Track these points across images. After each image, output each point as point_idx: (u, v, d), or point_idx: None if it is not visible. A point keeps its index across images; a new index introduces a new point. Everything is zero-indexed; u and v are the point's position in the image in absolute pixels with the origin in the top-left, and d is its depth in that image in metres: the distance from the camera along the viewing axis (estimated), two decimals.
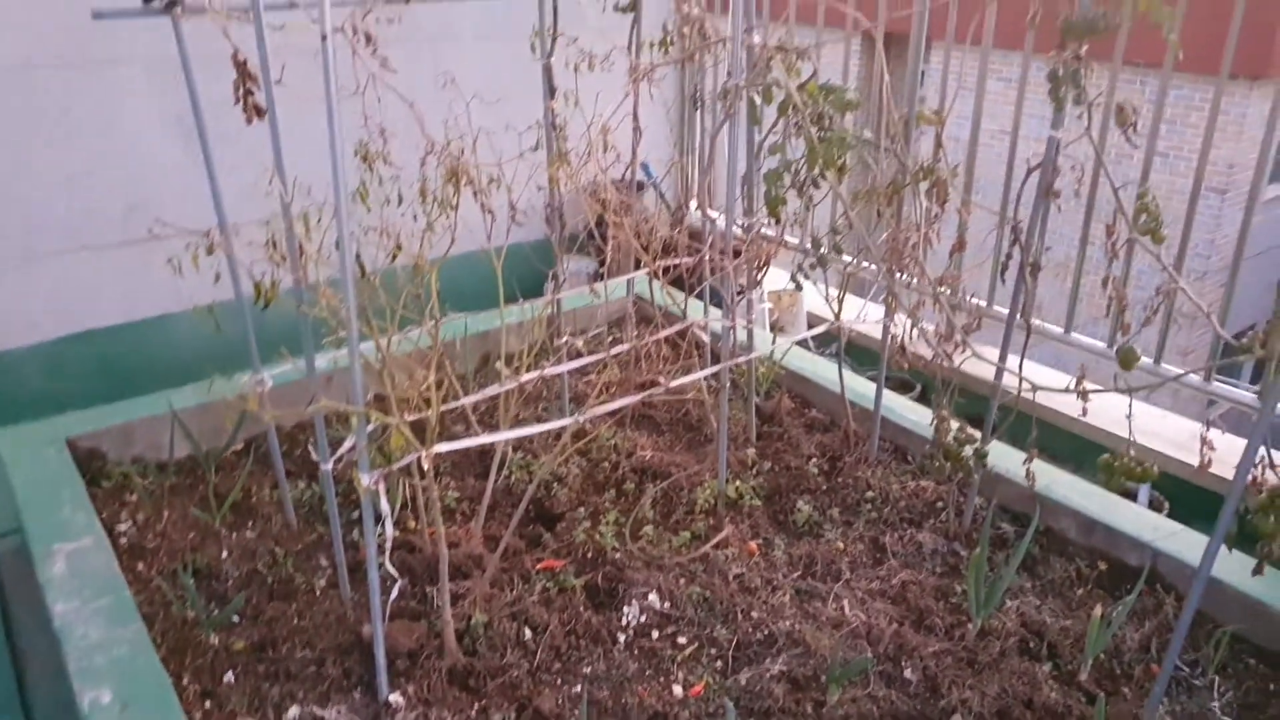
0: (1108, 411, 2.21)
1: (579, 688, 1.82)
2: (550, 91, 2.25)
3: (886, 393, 2.59)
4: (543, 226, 2.41)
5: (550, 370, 2.20)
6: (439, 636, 1.87)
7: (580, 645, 1.93)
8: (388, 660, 1.79)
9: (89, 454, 2.43)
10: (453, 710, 1.76)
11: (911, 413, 2.66)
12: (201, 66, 1.85)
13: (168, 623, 1.92)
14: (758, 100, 2.08)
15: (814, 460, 2.54)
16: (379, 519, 1.60)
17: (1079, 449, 2.51)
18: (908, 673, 1.88)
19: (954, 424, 2.19)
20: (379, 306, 1.89)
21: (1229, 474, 1.57)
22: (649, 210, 3.42)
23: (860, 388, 2.73)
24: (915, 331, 2.26)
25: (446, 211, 1.97)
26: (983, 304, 2.97)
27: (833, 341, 2.73)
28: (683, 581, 2.09)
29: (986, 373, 2.15)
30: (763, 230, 2.67)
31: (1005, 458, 2.29)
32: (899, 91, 2.28)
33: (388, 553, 1.65)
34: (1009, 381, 2.11)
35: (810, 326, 3.33)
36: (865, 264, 2.54)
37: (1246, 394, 2.72)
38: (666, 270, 2.62)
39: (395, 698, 1.77)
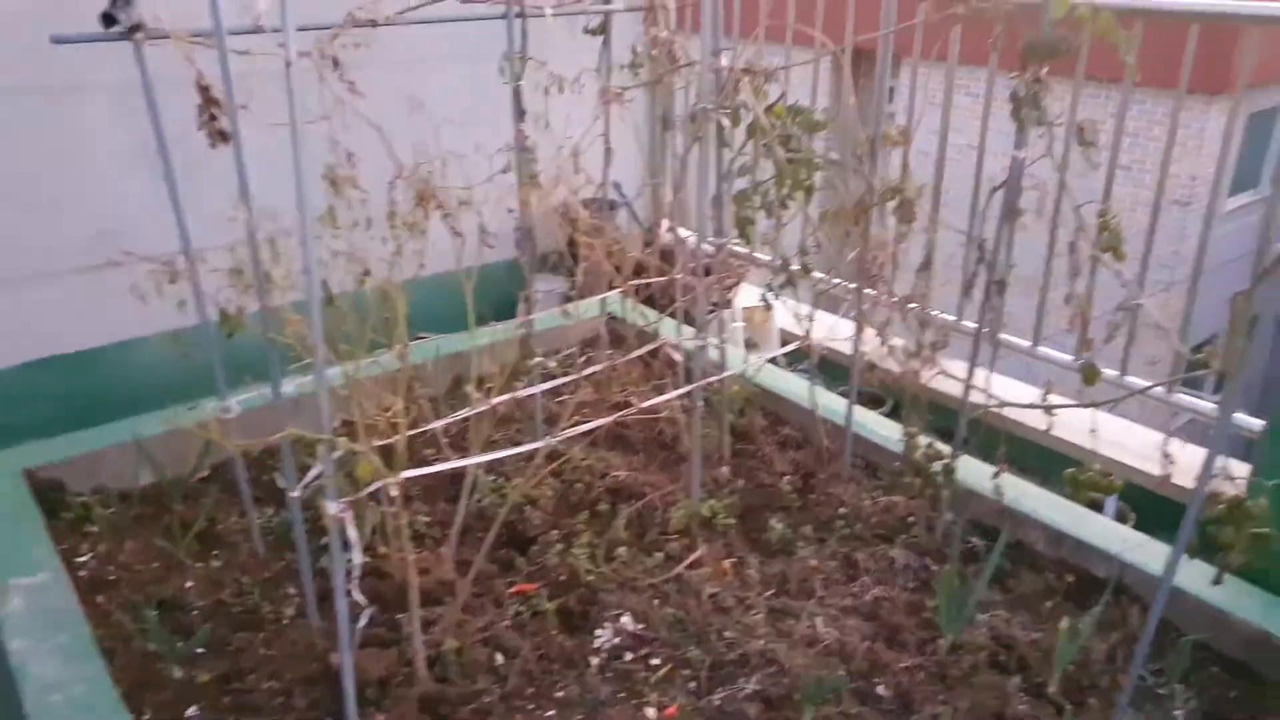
0: (1075, 424, 2.24)
1: (552, 713, 1.81)
2: (520, 114, 2.26)
3: (858, 409, 2.61)
4: (513, 248, 2.40)
5: (522, 392, 2.20)
6: (409, 664, 1.85)
7: (553, 670, 1.92)
8: (357, 689, 1.76)
9: (48, 485, 2.38)
10: None
11: (883, 428, 2.68)
12: (168, 90, 1.84)
13: (129, 657, 1.88)
14: (726, 124, 2.09)
15: (787, 478, 2.54)
16: (347, 547, 1.59)
17: (1048, 461, 2.54)
18: (880, 689, 1.89)
19: (923, 440, 2.21)
20: (347, 331, 1.88)
21: (1193, 484, 1.60)
22: (622, 230, 3.44)
23: (833, 404, 2.75)
24: (885, 348, 2.28)
25: (415, 235, 1.97)
26: (952, 319, 3.00)
27: (805, 359, 2.75)
28: (656, 603, 2.08)
29: (956, 387, 2.17)
30: (733, 249, 2.69)
31: (975, 472, 2.32)
32: (869, 108, 2.31)
33: (356, 580, 1.63)
34: (978, 396, 2.14)
35: (783, 344, 3.35)
36: (835, 281, 2.57)
37: (1209, 405, 2.76)
38: (639, 290, 2.63)
39: None
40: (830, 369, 3.11)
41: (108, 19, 1.77)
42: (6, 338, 2.87)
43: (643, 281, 2.66)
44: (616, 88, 2.43)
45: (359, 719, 1.75)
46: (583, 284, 2.52)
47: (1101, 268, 1.96)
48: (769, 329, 3.57)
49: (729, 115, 2.08)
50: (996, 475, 2.14)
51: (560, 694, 1.86)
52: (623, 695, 1.87)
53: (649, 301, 2.92)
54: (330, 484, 1.57)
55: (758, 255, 2.81)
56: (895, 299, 2.30)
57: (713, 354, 2.63)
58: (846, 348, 2.49)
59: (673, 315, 2.59)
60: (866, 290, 2.36)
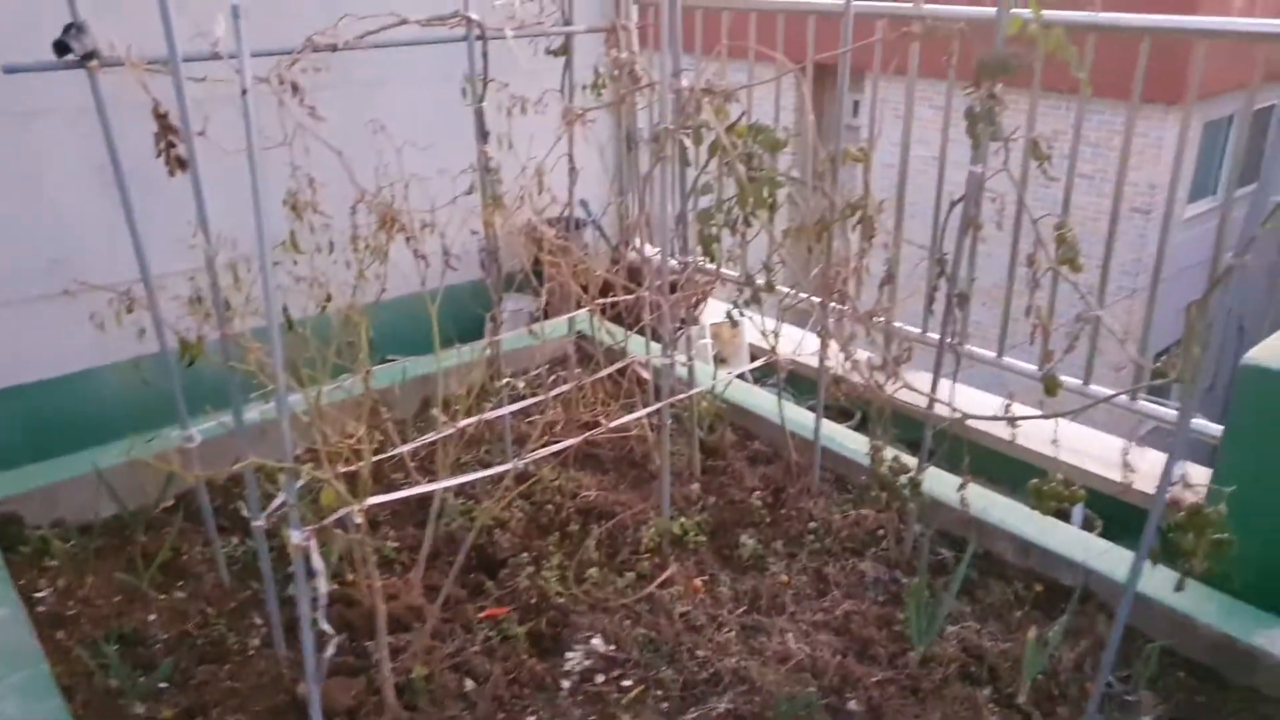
0: (1041, 433, 2.26)
1: None
2: (483, 136, 2.26)
3: (827, 422, 2.63)
4: (479, 269, 2.40)
5: (490, 414, 2.19)
6: (378, 692, 1.83)
7: (524, 694, 1.90)
8: (325, 719, 1.74)
9: (5, 518, 2.34)
10: None
11: (851, 442, 2.69)
12: (127, 115, 1.82)
13: (89, 694, 1.85)
14: (688, 143, 2.11)
15: (757, 493, 2.55)
16: (312, 575, 1.57)
17: (1015, 471, 2.56)
18: (852, 704, 1.89)
19: (889, 453, 2.22)
20: (309, 357, 1.87)
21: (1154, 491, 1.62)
22: (589, 247, 3.44)
23: (802, 418, 2.76)
24: (849, 363, 2.30)
25: (378, 258, 1.96)
26: (916, 332, 3.02)
27: (774, 373, 2.76)
28: (628, 623, 2.08)
29: (922, 399, 2.19)
30: (701, 266, 2.70)
31: (942, 483, 2.33)
32: (833, 119, 2.33)
33: (323, 609, 1.61)
34: (943, 408, 2.15)
35: (752, 359, 3.37)
36: (801, 296, 2.59)
37: (1172, 412, 2.80)
38: (606, 308, 2.63)
39: None
40: (799, 383, 3.13)
41: (61, 47, 1.75)
42: None
43: (610, 300, 2.66)
44: (578, 109, 2.44)
45: None
46: (550, 303, 2.52)
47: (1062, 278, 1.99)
48: (738, 344, 3.59)
49: (691, 135, 2.09)
50: (962, 487, 2.16)
51: (531, 718, 1.85)
52: (594, 718, 1.86)
53: (617, 320, 2.92)
54: (294, 512, 1.55)
55: (725, 272, 2.83)
56: (860, 313, 2.32)
57: (681, 371, 2.63)
58: (814, 362, 2.50)
59: (641, 333, 2.60)
60: (831, 305, 2.38)
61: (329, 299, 1.93)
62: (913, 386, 2.12)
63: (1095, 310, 1.93)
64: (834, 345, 2.42)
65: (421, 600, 2.09)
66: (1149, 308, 2.98)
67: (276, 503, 1.78)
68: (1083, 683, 1.95)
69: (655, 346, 2.54)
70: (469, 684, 1.90)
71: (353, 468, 1.71)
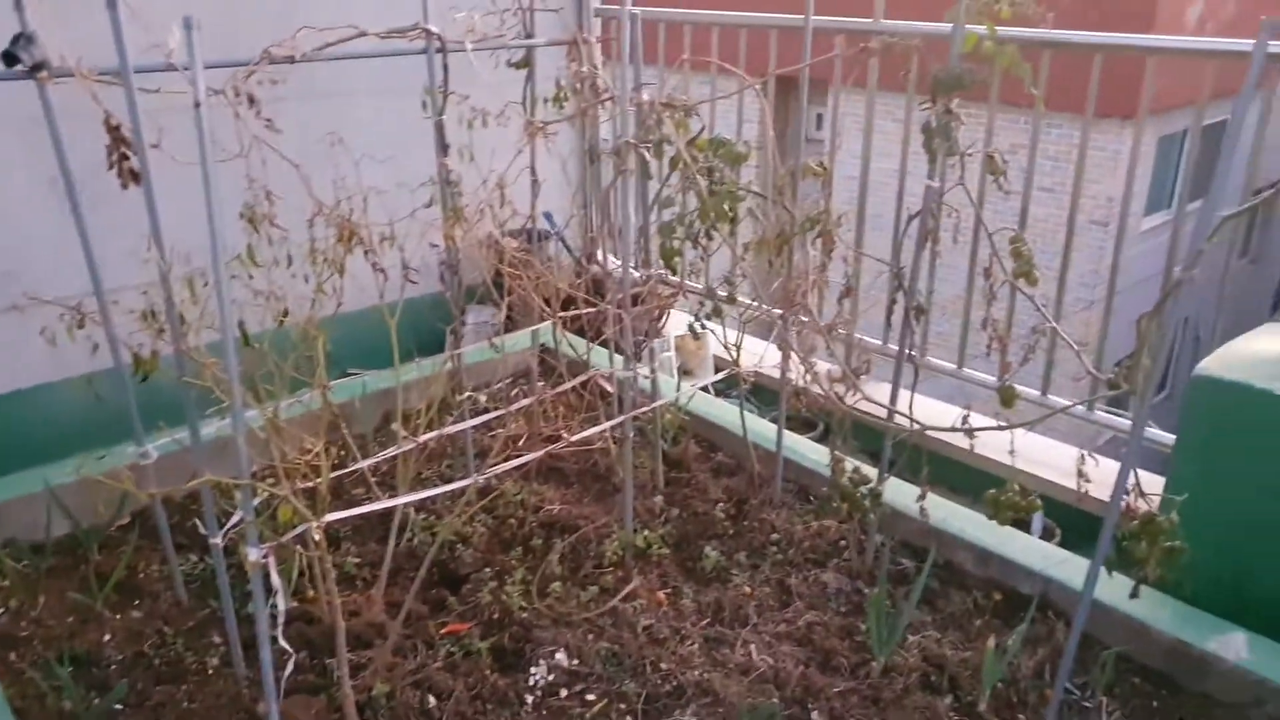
0: (1000, 443, 2.29)
1: None
2: (444, 148, 2.25)
3: (789, 433, 2.64)
4: (438, 282, 2.39)
5: (451, 428, 2.17)
6: (339, 710, 1.80)
7: (486, 710, 1.89)
8: None
9: None
10: None
11: (813, 452, 2.71)
12: (78, 127, 1.79)
13: (43, 717, 1.81)
14: (648, 157, 2.11)
15: (721, 505, 2.56)
16: (270, 592, 1.55)
17: (975, 481, 2.59)
18: (815, 715, 1.89)
19: (850, 464, 2.24)
20: (267, 372, 1.85)
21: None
22: (552, 260, 3.44)
23: (765, 430, 2.77)
24: (809, 374, 2.31)
25: (336, 271, 1.95)
26: (876, 344, 3.05)
27: (736, 385, 2.77)
28: (591, 637, 2.07)
29: (883, 411, 2.21)
30: (664, 278, 2.71)
31: (903, 494, 2.35)
32: (795, 133, 2.35)
33: (282, 626, 1.59)
34: (902, 419, 2.18)
35: (717, 370, 3.38)
36: (762, 308, 2.60)
37: (1126, 422, 2.86)
38: (569, 320, 2.62)
39: None
40: (762, 395, 3.15)
41: (9, 58, 1.72)
42: None
43: (573, 313, 2.66)
44: (539, 121, 2.44)
45: None
46: (512, 316, 2.51)
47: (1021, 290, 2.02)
48: (703, 356, 3.60)
49: (651, 149, 2.10)
50: (921, 498, 2.18)
51: None
52: None
53: (580, 332, 2.92)
54: (251, 529, 1.53)
55: (688, 284, 2.84)
56: (820, 325, 2.33)
57: (644, 383, 2.64)
58: (776, 374, 2.52)
59: (604, 345, 2.60)
60: (792, 317, 2.40)
61: (286, 313, 1.91)
62: (870, 398, 2.14)
63: (1050, 322, 1.96)
64: (795, 357, 2.44)
65: (383, 616, 2.07)
66: (1105, 319, 3.04)
67: (234, 520, 1.76)
68: (1042, 690, 1.97)
69: (619, 359, 2.55)
70: (431, 701, 1.88)
71: (311, 484, 1.69)
